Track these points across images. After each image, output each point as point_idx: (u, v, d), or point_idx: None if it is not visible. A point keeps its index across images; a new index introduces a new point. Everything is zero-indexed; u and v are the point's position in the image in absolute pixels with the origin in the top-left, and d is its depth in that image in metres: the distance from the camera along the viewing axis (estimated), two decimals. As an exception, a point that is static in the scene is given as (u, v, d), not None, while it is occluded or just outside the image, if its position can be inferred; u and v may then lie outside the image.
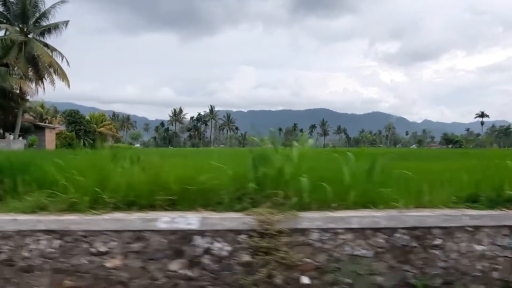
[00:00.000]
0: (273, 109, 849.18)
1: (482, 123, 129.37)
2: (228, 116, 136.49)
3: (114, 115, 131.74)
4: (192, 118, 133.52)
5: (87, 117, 63.18)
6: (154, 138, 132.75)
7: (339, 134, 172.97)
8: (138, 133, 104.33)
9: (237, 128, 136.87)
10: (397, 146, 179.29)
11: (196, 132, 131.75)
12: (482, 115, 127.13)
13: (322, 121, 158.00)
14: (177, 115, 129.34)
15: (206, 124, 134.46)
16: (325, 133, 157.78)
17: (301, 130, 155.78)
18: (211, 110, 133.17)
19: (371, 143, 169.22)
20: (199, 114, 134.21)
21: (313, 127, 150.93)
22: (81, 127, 58.17)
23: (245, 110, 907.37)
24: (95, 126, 62.59)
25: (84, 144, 58.97)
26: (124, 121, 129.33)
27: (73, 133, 56.45)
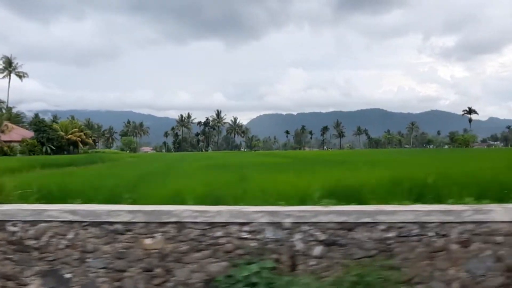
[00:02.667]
0: (323, 111, 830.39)
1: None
2: (235, 120, 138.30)
3: (129, 122, 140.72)
4: (199, 123, 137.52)
5: (57, 125, 69.12)
6: (164, 143, 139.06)
7: (359, 135, 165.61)
8: (130, 140, 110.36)
9: (243, 132, 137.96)
10: (429, 146, 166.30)
11: (204, 137, 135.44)
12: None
13: (336, 122, 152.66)
14: (184, 120, 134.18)
15: (214, 129, 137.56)
16: (340, 135, 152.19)
17: (310, 132, 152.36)
18: (218, 115, 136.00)
19: (396, 143, 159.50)
20: (207, 119, 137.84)
21: (325, 128, 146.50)
22: (44, 134, 63.98)
23: (294, 113, 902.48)
24: (63, 133, 68.20)
25: (47, 150, 64.95)
26: (136, 128, 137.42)
27: (35, 140, 62.38)
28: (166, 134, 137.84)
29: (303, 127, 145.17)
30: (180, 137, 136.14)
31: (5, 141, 58.96)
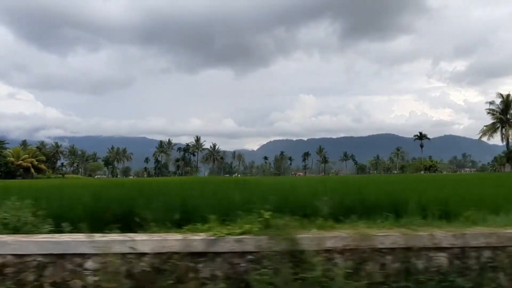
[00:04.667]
0: (334, 137, 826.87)
1: None
2: (214, 146, 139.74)
3: (112, 148, 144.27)
4: (179, 149, 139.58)
5: (8, 152, 72.18)
6: (145, 168, 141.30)
7: (345, 160, 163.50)
8: (98, 165, 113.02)
9: (222, 158, 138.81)
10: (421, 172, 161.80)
11: (183, 163, 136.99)
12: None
13: (319, 148, 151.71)
14: (163, 146, 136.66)
15: (193, 155, 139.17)
16: (324, 160, 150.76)
17: (290, 158, 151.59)
18: (197, 141, 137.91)
19: (385, 169, 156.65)
20: (187, 144, 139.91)
21: (306, 154, 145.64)
22: (-9, 160, 66.86)
23: (305, 139, 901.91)
24: (13, 159, 71.10)
25: (-7, 175, 67.48)
26: (119, 154, 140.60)
27: (-19, 166, 65.25)
28: (146, 160, 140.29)
29: (282, 153, 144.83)
30: (161, 162, 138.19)
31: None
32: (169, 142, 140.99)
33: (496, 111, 68.91)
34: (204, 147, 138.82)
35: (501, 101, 68.71)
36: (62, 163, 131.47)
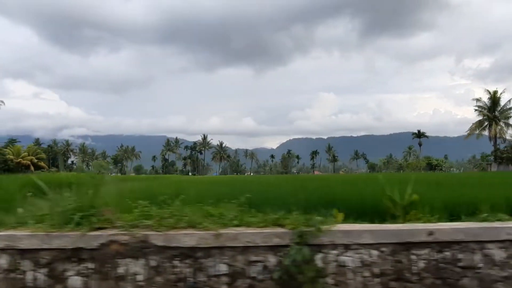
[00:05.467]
0: (354, 135, 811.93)
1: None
2: (221, 144, 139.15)
3: (122, 146, 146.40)
4: (186, 147, 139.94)
5: (8, 150, 73.86)
6: (153, 167, 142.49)
7: (356, 159, 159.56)
8: (101, 163, 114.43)
9: (228, 156, 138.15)
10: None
11: (190, 161, 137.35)
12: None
13: (328, 147, 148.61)
14: (170, 144, 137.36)
15: (200, 153, 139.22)
16: (334, 159, 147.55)
17: (297, 157, 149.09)
18: (204, 139, 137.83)
19: (398, 168, 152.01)
20: (194, 143, 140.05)
21: (314, 153, 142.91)
22: (-11, 158, 68.53)
23: (325, 137, 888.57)
24: (13, 157, 72.64)
25: (-8, 172, 69.17)
26: (128, 152, 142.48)
27: (-19, 163, 66.96)
28: (154, 158, 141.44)
29: (289, 152, 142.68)
30: (168, 161, 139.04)
31: (-51, 164, 63.99)
32: (176, 140, 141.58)
33: (484, 108, 65.24)
34: (211, 145, 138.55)
35: (488, 98, 65.05)
36: (72, 161, 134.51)
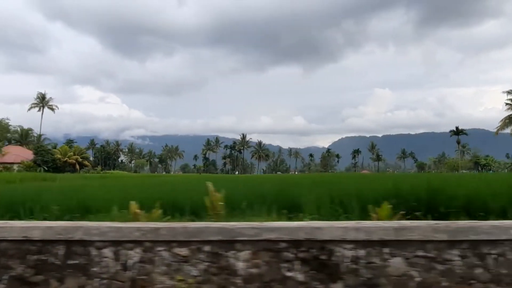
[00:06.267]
0: (412, 133, 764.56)
1: None
2: (260, 143, 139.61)
3: (166, 146, 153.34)
4: (226, 146, 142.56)
5: (57, 150, 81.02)
6: (194, 165, 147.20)
7: (404, 158, 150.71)
8: (143, 162, 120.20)
9: (267, 156, 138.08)
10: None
11: (229, 160, 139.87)
12: None
13: (371, 145, 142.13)
14: (210, 144, 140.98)
15: (240, 152, 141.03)
16: (378, 158, 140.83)
17: (338, 156, 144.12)
18: (243, 138, 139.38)
19: (451, 168, 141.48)
20: (234, 142, 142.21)
21: (356, 151, 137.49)
22: (40, 157, 75.60)
23: (379, 135, 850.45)
24: (60, 157, 79.51)
25: (41, 171, 76.35)
26: (171, 151, 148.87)
27: (32, 162, 74.24)
28: (195, 157, 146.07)
29: (328, 150, 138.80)
30: (209, 160, 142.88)
31: (6, 163, 72.04)
32: (217, 140, 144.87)
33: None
34: (250, 144, 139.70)
35: None
36: (121, 160, 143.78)
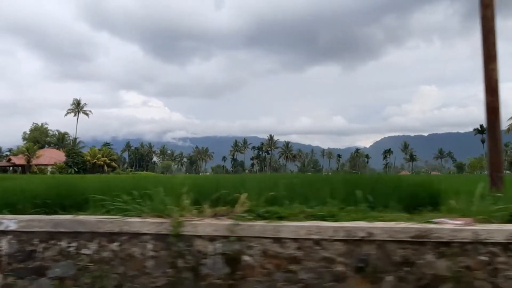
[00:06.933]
0: (461, 131, 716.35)
1: None
2: (287, 144, 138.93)
3: (197, 147, 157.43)
4: (253, 147, 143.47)
5: (87, 152, 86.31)
6: (223, 167, 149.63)
7: (441, 158, 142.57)
8: (169, 163, 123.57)
9: (294, 157, 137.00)
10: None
11: (257, 161, 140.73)
12: None
13: (403, 145, 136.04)
14: (238, 145, 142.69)
15: (268, 153, 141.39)
16: (411, 158, 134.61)
17: (367, 156, 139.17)
18: (270, 139, 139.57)
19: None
20: (262, 143, 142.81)
21: (388, 151, 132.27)
22: (71, 159, 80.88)
23: (425, 134, 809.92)
24: (90, 158, 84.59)
25: (72, 171, 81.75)
26: (201, 153, 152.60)
27: (64, 163, 79.66)
28: (224, 159, 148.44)
29: (357, 150, 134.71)
30: (238, 161, 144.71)
31: (41, 164, 78.13)
32: (245, 141, 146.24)
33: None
34: (277, 145, 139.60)
35: None
36: (154, 161, 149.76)
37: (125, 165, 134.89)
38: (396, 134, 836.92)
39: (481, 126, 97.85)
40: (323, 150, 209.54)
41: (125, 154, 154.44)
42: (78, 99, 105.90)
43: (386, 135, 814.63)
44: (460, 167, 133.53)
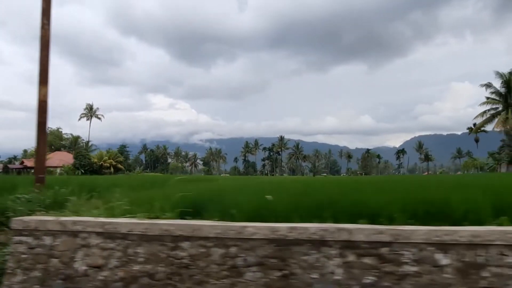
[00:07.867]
0: (498, 129, 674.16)
1: None
2: (297, 145, 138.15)
3: (210, 149, 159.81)
4: (264, 148, 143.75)
5: (95, 154, 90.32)
6: (235, 168, 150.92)
7: (459, 158, 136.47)
8: (176, 165, 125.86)
9: (304, 157, 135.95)
10: None
11: (267, 161, 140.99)
12: None
13: (418, 144, 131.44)
14: (249, 147, 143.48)
15: (278, 154, 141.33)
16: (427, 158, 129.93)
17: (378, 156, 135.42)
18: (281, 140, 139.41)
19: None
20: (273, 144, 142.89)
21: (401, 151, 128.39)
22: (78, 161, 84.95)
23: (458, 133, 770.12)
24: (96, 161, 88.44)
25: (79, 174, 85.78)
26: (215, 154, 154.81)
27: (71, 165, 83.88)
28: (235, 160, 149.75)
29: (368, 150, 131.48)
30: (249, 162, 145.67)
31: (50, 166, 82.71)
32: (256, 142, 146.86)
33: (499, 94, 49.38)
34: (287, 146, 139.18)
35: (502, 82, 48.49)
36: (168, 163, 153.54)
37: (142, 166, 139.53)
38: (428, 133, 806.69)
39: (474, 124, 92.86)
40: (341, 150, 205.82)
41: (142, 156, 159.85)
42: (91, 103, 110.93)
43: (417, 134, 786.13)
44: (482, 168, 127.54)
